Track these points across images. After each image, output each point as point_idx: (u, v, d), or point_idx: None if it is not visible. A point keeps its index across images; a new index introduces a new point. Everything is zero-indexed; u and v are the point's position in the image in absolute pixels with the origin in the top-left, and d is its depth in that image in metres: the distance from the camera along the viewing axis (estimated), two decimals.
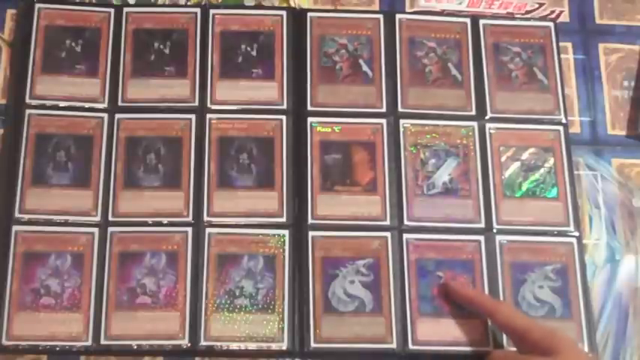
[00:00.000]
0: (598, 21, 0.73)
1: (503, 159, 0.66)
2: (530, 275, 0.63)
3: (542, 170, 0.66)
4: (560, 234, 0.64)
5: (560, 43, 0.71)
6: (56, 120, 0.66)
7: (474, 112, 0.68)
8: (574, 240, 0.64)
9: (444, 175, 0.66)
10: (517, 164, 0.66)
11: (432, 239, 0.64)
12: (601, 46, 0.72)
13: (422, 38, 0.70)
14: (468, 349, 0.61)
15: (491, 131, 0.67)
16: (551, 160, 0.67)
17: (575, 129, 0.69)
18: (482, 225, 0.64)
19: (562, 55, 0.70)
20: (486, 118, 0.67)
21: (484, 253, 0.63)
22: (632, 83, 0.71)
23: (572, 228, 0.65)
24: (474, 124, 0.67)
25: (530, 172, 0.66)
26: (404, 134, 0.67)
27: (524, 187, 0.66)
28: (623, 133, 0.70)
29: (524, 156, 0.67)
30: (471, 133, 0.67)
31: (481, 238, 0.64)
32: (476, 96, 0.68)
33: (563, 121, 0.68)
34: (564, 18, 0.73)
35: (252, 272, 0.62)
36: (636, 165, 0.68)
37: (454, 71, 0.69)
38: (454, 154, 0.66)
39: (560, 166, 0.66)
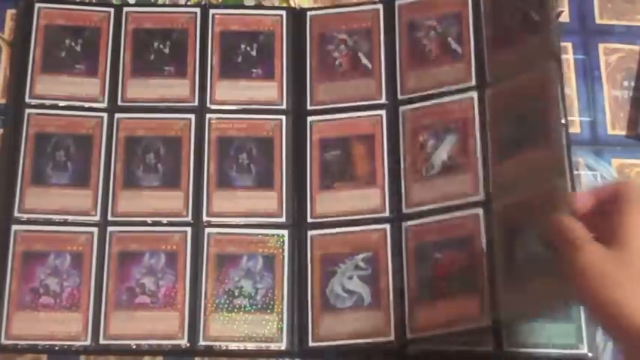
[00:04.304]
0: (598, 21, 0.73)
1: None
2: None
3: None
4: None
5: (560, 43, 0.70)
6: (56, 119, 0.66)
7: (474, 83, 0.65)
8: None
9: (442, 154, 0.64)
10: None
11: (431, 222, 0.62)
12: (601, 46, 0.72)
13: (421, 18, 0.68)
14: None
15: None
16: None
17: (575, 129, 0.69)
18: (481, 197, 0.62)
19: (562, 55, 0.70)
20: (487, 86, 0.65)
21: (483, 226, 0.61)
22: (632, 83, 0.71)
23: None
24: (474, 94, 0.65)
25: None
26: (403, 122, 0.66)
27: None
28: (623, 133, 0.70)
29: None
30: (470, 105, 0.64)
31: (480, 211, 0.62)
32: (476, 66, 0.66)
33: (563, 121, 0.68)
34: (564, 18, 0.73)
35: (252, 272, 0.62)
36: (636, 165, 0.68)
37: (454, 45, 0.67)
38: (453, 131, 0.65)
39: None
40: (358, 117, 0.67)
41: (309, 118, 0.66)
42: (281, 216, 0.64)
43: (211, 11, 0.69)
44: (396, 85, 0.67)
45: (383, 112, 0.66)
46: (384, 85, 0.67)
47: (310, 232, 0.63)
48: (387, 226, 0.63)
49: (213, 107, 0.67)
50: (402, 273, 0.62)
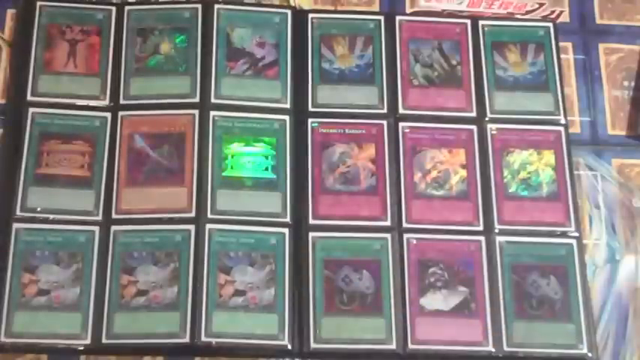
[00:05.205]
0: (598, 21, 0.74)
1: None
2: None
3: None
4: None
5: (560, 43, 0.71)
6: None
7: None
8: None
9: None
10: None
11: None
12: (601, 46, 0.72)
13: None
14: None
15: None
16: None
17: (575, 129, 0.69)
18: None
19: (562, 55, 0.71)
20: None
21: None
22: (632, 83, 0.71)
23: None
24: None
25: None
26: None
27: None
28: (623, 133, 0.70)
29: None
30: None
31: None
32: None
33: (563, 121, 0.68)
34: (564, 18, 0.73)
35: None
36: (636, 165, 0.69)
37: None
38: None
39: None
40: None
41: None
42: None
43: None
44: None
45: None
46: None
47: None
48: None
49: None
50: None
